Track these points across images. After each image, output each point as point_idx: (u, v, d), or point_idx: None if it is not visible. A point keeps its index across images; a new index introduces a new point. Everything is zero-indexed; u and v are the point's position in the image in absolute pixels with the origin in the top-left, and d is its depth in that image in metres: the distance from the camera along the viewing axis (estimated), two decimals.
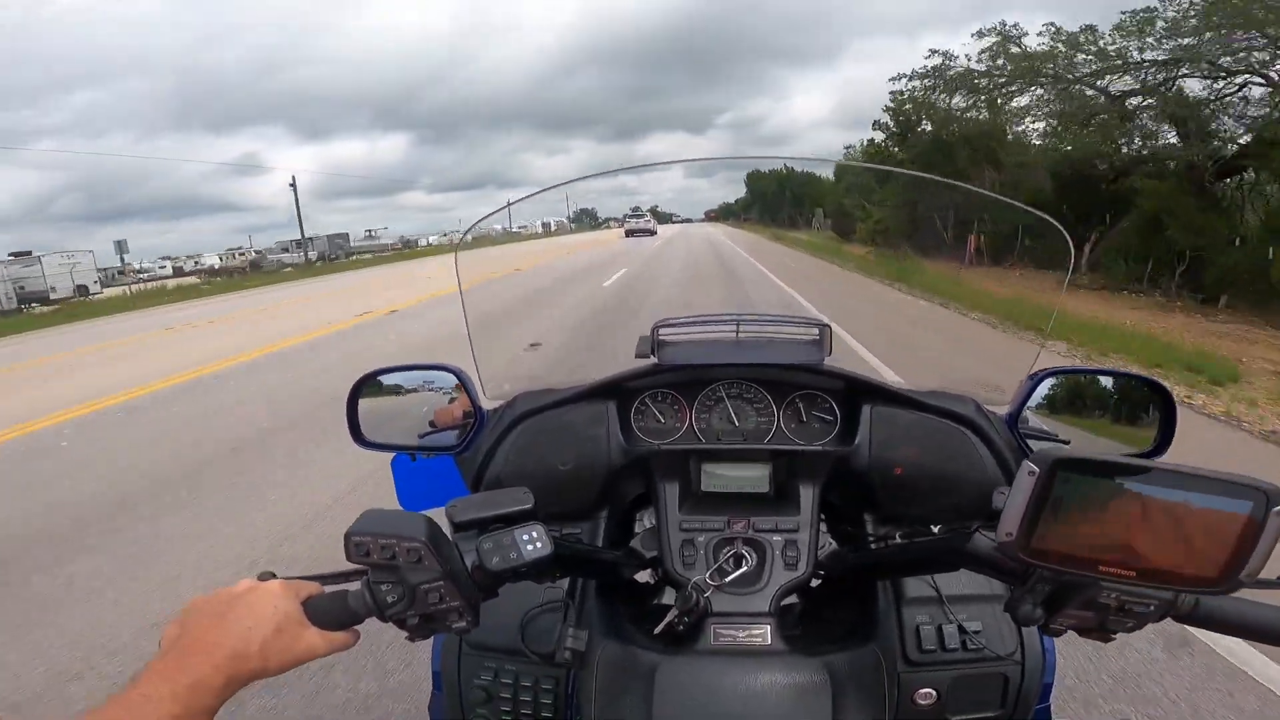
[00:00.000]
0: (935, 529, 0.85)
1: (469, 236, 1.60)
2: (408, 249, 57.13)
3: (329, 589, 0.61)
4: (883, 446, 0.85)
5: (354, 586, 0.60)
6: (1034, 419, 0.89)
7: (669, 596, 0.85)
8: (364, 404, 0.92)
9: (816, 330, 0.90)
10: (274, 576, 0.60)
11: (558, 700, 0.83)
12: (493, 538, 0.60)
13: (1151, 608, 0.53)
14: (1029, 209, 1.10)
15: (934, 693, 0.80)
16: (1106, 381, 0.94)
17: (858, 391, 0.89)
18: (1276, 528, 0.46)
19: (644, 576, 0.90)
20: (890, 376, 4.12)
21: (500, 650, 0.84)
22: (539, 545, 0.60)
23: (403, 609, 0.57)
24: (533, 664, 0.82)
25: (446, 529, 0.61)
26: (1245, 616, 0.57)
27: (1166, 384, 0.86)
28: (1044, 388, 0.87)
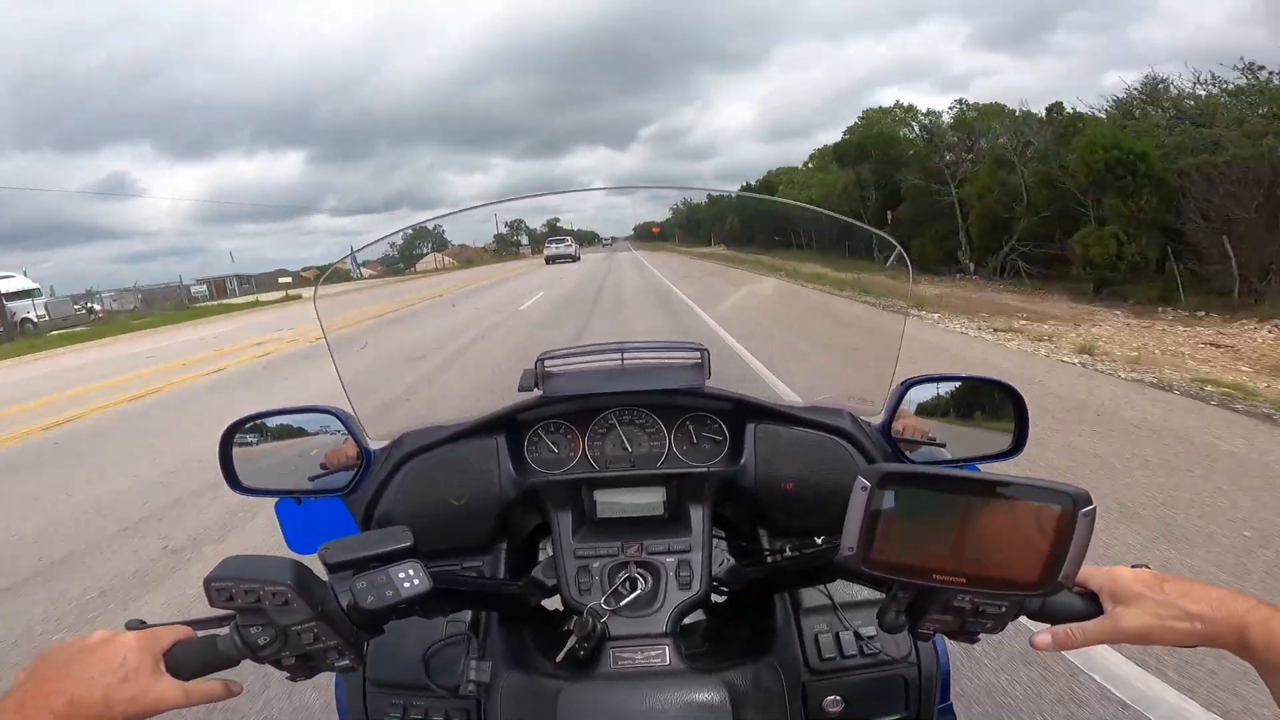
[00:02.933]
0: (819, 540, 0.89)
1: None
2: None
3: (201, 634, 0.60)
4: (767, 463, 0.88)
5: (225, 631, 0.59)
6: (915, 423, 0.92)
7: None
8: (248, 450, 0.91)
9: (697, 354, 0.91)
10: (143, 624, 0.60)
11: None
12: (367, 577, 0.61)
13: (1003, 609, 0.55)
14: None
15: (841, 699, 0.82)
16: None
17: (742, 411, 0.91)
18: (1085, 529, 0.50)
19: (556, 604, 0.89)
20: None
21: (405, 686, 0.83)
22: (416, 582, 0.61)
23: (275, 650, 0.58)
24: (440, 698, 0.81)
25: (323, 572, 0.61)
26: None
27: (1017, 387, 0.91)
28: (916, 394, 0.91)
